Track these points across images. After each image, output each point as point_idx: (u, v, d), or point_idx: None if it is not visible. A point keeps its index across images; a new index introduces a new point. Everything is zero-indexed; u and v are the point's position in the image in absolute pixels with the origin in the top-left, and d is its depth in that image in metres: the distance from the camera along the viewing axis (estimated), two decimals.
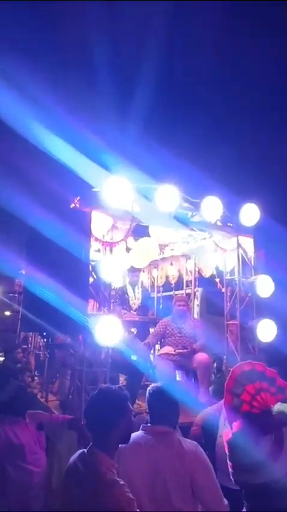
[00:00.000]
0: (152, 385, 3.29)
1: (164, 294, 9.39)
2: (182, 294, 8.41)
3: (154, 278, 9.58)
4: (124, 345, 5.86)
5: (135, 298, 7.71)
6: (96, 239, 5.21)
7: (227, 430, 2.70)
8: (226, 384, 2.79)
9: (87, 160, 5.15)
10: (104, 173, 5.15)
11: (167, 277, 9.12)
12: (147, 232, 7.25)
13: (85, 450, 2.65)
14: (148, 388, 3.29)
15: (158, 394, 3.20)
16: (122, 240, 5.46)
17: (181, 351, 6.26)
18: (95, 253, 5.64)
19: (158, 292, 9.40)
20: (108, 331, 4.78)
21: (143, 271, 9.35)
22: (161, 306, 9.23)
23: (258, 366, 2.82)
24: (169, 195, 5.45)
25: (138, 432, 3.07)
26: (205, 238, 7.15)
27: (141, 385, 5.76)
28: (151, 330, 7.32)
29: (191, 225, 6.19)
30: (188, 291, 8.57)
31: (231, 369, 2.84)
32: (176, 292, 8.75)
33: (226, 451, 2.63)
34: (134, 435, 2.89)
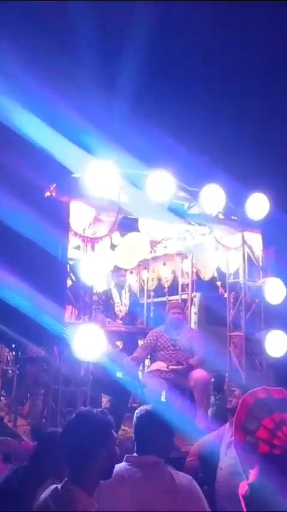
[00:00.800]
0: (141, 407, 3.26)
1: (156, 299, 9.37)
2: (177, 299, 8.40)
3: (143, 281, 9.57)
4: (108, 359, 5.81)
5: (121, 305, 7.67)
6: (76, 234, 5.18)
7: (243, 482, 2.56)
8: (235, 417, 2.62)
9: (65, 141, 5.10)
10: (85, 156, 5.13)
11: (159, 279, 9.10)
12: (136, 227, 7.21)
13: (59, 486, 2.60)
14: (136, 411, 3.25)
15: (147, 418, 3.17)
16: (106, 235, 5.43)
17: (175, 367, 6.25)
18: (74, 251, 5.59)
19: (149, 297, 9.38)
20: (89, 343, 4.75)
21: (131, 273, 9.31)
22: (152, 313, 9.22)
23: (275, 392, 2.62)
24: (161, 183, 5.43)
25: (122, 464, 3.03)
26: (204, 234, 7.11)
27: (127, 407, 5.74)
28: (140, 342, 7.29)
29: (188, 218, 6.17)
30: (184, 296, 8.56)
31: (237, 394, 2.79)
32: (170, 298, 8.73)
33: (243, 508, 2.45)
34: (117, 467, 2.84)
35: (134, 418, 3.23)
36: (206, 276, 7.86)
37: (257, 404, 2.56)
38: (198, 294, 8.96)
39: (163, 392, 6.32)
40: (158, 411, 3.24)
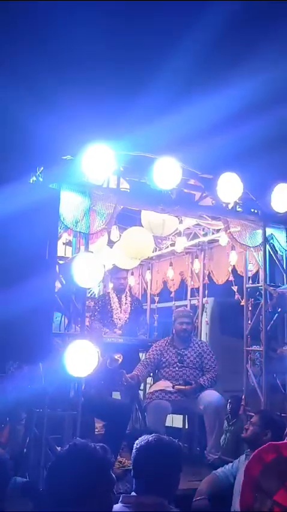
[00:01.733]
0: (141, 437, 3.23)
1: (161, 305, 9.36)
2: (186, 306, 8.38)
3: (146, 283, 9.56)
4: (103, 378, 5.78)
5: (121, 312, 7.65)
6: (67, 228, 5.15)
7: None
8: (242, 483, 2.54)
9: (54, 118, 5.08)
10: (79, 136, 5.10)
11: (164, 282, 9.08)
12: (138, 220, 7.21)
13: None
14: (135, 442, 3.23)
15: (149, 450, 3.14)
16: (102, 229, 5.40)
17: (182, 387, 6.22)
18: (65, 248, 5.55)
19: (153, 302, 9.36)
20: (80, 358, 4.74)
21: (133, 274, 9.29)
22: (156, 322, 9.21)
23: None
24: (168, 168, 5.40)
25: (118, 506, 3.00)
26: (218, 230, 7.10)
27: (125, 434, 5.70)
28: (142, 357, 7.26)
29: (200, 210, 6.14)
30: (194, 302, 8.53)
31: (254, 421, 2.75)
32: (177, 304, 8.72)
33: None
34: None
35: (134, 450, 3.20)
36: (220, 279, 7.82)
37: (266, 472, 2.49)
38: (210, 300, 8.95)
39: (168, 417, 6.31)
40: (161, 441, 3.22)
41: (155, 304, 9.39)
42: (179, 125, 5.58)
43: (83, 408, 5.00)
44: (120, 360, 6.19)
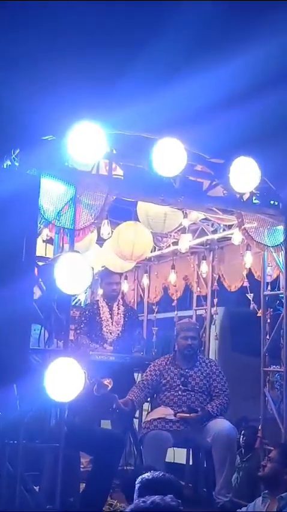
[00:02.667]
0: (139, 478, 3.24)
1: (161, 316, 9.36)
2: (191, 317, 8.37)
3: (143, 290, 9.54)
4: (90, 403, 5.77)
5: (112, 324, 7.65)
6: (48, 223, 5.15)
7: None
8: None
9: (32, 90, 5.06)
10: (64, 112, 5.10)
11: (165, 288, 9.07)
12: (133, 214, 7.20)
13: None
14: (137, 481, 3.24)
15: (146, 492, 3.13)
16: (91, 224, 5.41)
17: (186, 414, 6.22)
18: (45, 247, 5.54)
19: (151, 313, 9.36)
20: (64, 380, 4.72)
21: (127, 278, 9.28)
22: (154, 336, 9.20)
23: None
24: (170, 151, 5.40)
25: None
26: (230, 226, 7.09)
27: (117, 471, 5.72)
28: (137, 378, 7.26)
29: (209, 202, 6.15)
30: (201, 312, 8.53)
31: (273, 456, 2.74)
32: (181, 314, 8.71)
33: None
34: None
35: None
36: (233, 284, 7.83)
37: None
38: (220, 310, 8.94)
39: (168, 452, 6.30)
40: (161, 481, 3.23)
41: (154, 314, 9.38)
42: (184, 99, 5.56)
43: (67, 440, 4.96)
44: (109, 386, 6.18)
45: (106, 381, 6.18)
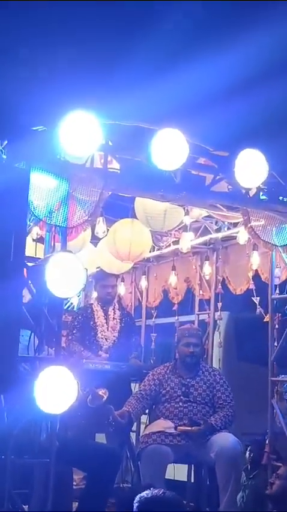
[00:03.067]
0: (138, 496, 3.26)
1: (160, 321, 9.36)
2: (193, 322, 8.38)
3: (141, 293, 9.55)
4: (83, 415, 5.77)
5: (107, 329, 7.66)
6: (38, 220, 5.16)
7: None
8: None
9: (22, 78, 5.07)
10: (56, 101, 5.10)
11: (165, 291, 9.08)
12: (131, 210, 7.20)
13: None
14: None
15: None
16: (85, 222, 5.42)
17: (188, 428, 6.21)
18: (35, 246, 5.53)
19: (149, 318, 9.36)
20: (55, 390, 4.72)
21: (123, 281, 9.28)
22: (153, 343, 9.21)
23: None
24: (171, 143, 5.40)
25: None
26: (236, 224, 7.10)
27: (112, 489, 5.73)
28: (135, 388, 7.26)
29: (212, 198, 6.16)
30: (204, 317, 8.54)
31: (282, 473, 2.76)
32: (182, 320, 8.72)
33: None
34: None
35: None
36: (238, 287, 7.84)
37: None
38: (225, 315, 8.96)
39: (168, 468, 6.30)
40: (161, 500, 3.24)
41: (153, 319, 9.40)
42: (186, 87, 5.58)
43: (58, 455, 4.97)
44: (105, 397, 6.17)
45: (101, 392, 6.17)
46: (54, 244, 5.39)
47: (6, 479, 4.76)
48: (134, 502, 3.30)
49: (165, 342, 9.09)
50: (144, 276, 9.40)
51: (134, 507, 3.37)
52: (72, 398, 4.84)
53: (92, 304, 7.92)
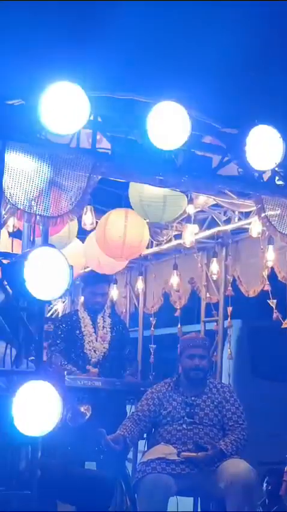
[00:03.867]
0: None
1: (160, 331, 9.36)
2: (198, 332, 8.40)
3: (138, 297, 9.56)
4: (69, 440, 5.77)
5: (96, 340, 7.68)
6: (15, 210, 5.18)
7: None
8: None
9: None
10: (36, 70, 5.15)
11: (166, 294, 9.10)
12: (124, 198, 7.22)
13: None
14: None
15: None
16: (69, 212, 5.43)
17: (192, 454, 6.20)
18: (11, 241, 5.55)
19: (147, 327, 9.37)
20: (36, 409, 4.74)
21: (116, 283, 9.30)
22: (152, 356, 9.21)
23: None
24: (171, 119, 5.42)
25: None
26: (248, 214, 7.12)
27: None
28: (130, 409, 7.28)
29: (220, 183, 6.19)
30: (211, 325, 8.55)
31: None
32: (186, 329, 8.71)
33: None
34: None
35: None
36: (251, 288, 7.87)
37: None
38: (236, 323, 8.98)
39: (170, 501, 6.29)
40: None
41: (151, 329, 9.40)
42: (187, 53, 5.61)
43: (41, 486, 4.98)
44: (88, 415, 6.18)
45: (83, 408, 6.17)
46: (34, 239, 5.41)
47: None
48: None
49: (165, 356, 9.10)
50: (141, 277, 9.43)
51: None
52: (56, 419, 4.85)
53: (77, 310, 7.93)
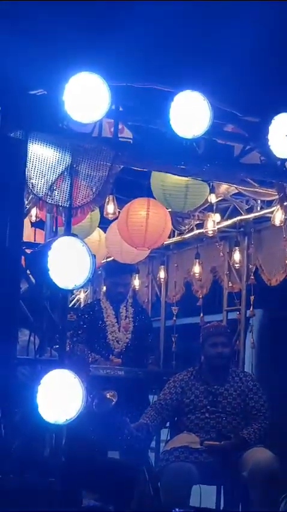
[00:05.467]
0: None
1: (182, 320, 9.37)
2: (221, 321, 8.41)
3: (160, 286, 9.55)
4: (94, 429, 5.79)
5: (119, 330, 7.67)
6: (38, 200, 5.18)
7: None
8: None
9: (20, 38, 5.10)
10: (58, 60, 5.13)
11: (187, 284, 9.09)
12: (146, 188, 7.21)
13: None
14: None
15: None
16: (91, 201, 5.45)
17: (216, 443, 6.23)
18: (34, 231, 5.56)
19: (169, 317, 9.37)
20: (60, 397, 4.75)
21: (138, 272, 9.31)
22: (174, 345, 9.21)
23: None
24: (192, 107, 5.43)
25: None
26: (270, 202, 7.12)
27: None
28: (153, 398, 7.29)
29: (242, 171, 6.20)
30: (233, 315, 8.54)
31: None
32: (208, 318, 8.72)
33: None
34: None
35: None
36: (274, 278, 7.86)
37: None
38: (258, 313, 8.97)
39: (194, 489, 6.29)
40: None
41: (174, 318, 9.40)
42: (208, 41, 5.61)
43: (65, 474, 4.99)
44: (114, 401, 6.17)
45: (109, 394, 6.16)
46: (56, 228, 5.42)
47: (7, 502, 4.78)
48: None
49: (188, 345, 9.08)
50: (163, 266, 9.42)
51: None
52: (80, 407, 4.85)
53: (100, 300, 7.93)
